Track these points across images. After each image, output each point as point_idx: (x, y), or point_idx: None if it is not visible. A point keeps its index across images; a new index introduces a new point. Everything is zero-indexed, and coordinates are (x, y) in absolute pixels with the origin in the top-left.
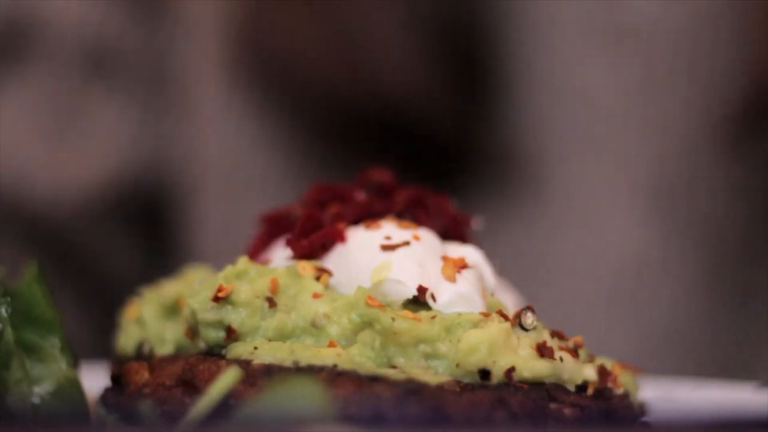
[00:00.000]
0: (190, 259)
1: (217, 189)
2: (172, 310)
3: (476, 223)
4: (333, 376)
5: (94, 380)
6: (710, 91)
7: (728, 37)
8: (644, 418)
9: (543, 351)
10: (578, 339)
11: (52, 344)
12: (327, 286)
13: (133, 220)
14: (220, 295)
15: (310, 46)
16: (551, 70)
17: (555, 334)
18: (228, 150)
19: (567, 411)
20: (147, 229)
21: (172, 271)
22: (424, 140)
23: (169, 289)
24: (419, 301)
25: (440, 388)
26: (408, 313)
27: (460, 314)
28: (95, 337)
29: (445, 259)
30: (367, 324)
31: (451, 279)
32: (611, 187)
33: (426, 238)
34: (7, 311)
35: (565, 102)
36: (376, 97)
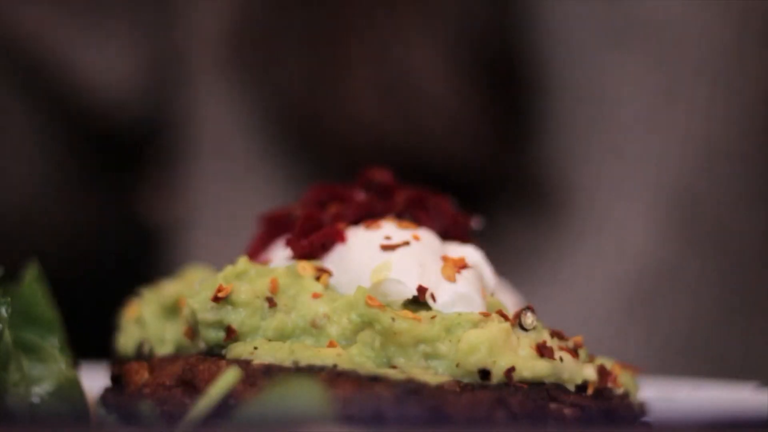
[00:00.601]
0: (190, 259)
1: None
2: (172, 310)
3: (476, 223)
4: (333, 376)
5: (94, 380)
6: (736, 98)
7: (757, 42)
8: (644, 418)
9: (543, 351)
10: (578, 339)
11: (52, 344)
12: (327, 286)
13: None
14: (220, 295)
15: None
16: (576, 75)
17: (555, 334)
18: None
19: (567, 411)
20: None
21: (172, 272)
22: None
23: (169, 289)
24: (419, 301)
25: (440, 388)
26: (408, 313)
27: (460, 314)
28: (95, 337)
29: (445, 259)
30: (367, 324)
31: (451, 279)
32: (632, 194)
33: (426, 238)
34: (7, 311)
35: (588, 108)
36: (407, 128)
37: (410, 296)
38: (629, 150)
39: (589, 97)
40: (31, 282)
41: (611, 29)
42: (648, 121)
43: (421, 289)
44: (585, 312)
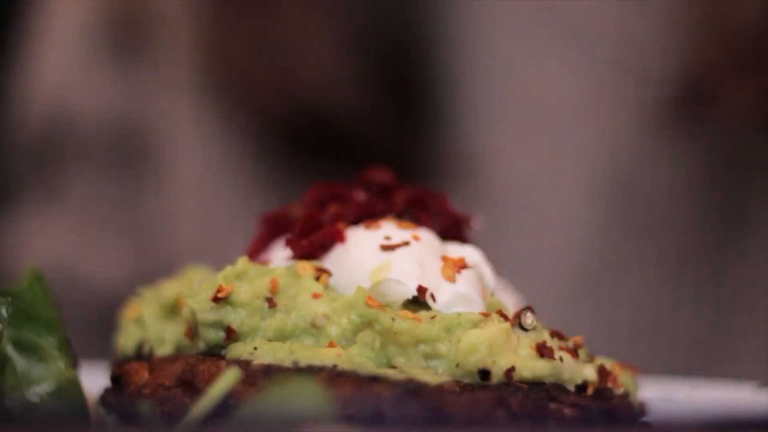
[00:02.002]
0: (190, 259)
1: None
2: (172, 310)
3: (476, 223)
4: (333, 376)
5: (94, 380)
6: (656, 78)
7: (668, 31)
8: (644, 418)
9: (543, 351)
10: (578, 339)
11: (52, 344)
12: (327, 286)
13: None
14: (220, 295)
15: (252, 65)
16: (497, 70)
17: (555, 334)
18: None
19: (567, 411)
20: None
21: (172, 272)
22: (367, 155)
23: (169, 289)
24: (419, 301)
25: (440, 388)
26: (408, 313)
27: (459, 314)
28: (95, 337)
29: (444, 259)
30: (367, 324)
31: (451, 279)
32: (566, 186)
33: (426, 238)
34: (7, 311)
35: (513, 100)
36: (311, 114)
37: (410, 296)
38: (561, 143)
39: (512, 90)
40: (31, 282)
41: (537, 29)
42: (578, 115)
43: (421, 289)
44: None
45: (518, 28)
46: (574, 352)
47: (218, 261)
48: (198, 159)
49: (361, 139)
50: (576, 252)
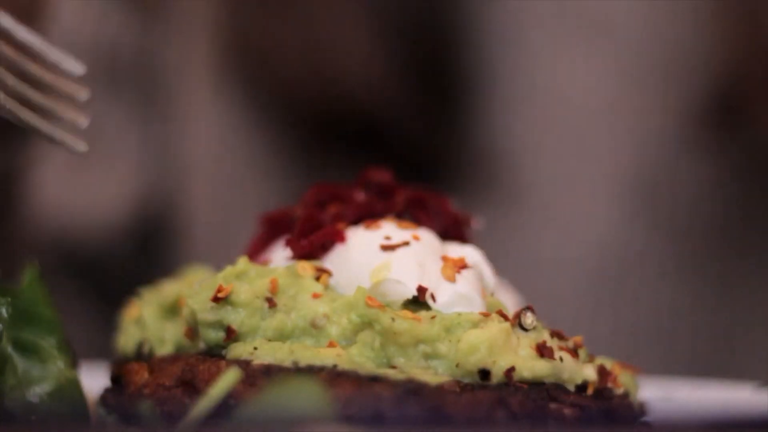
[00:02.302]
0: (190, 259)
1: (211, 190)
2: (172, 310)
3: (476, 223)
4: (333, 376)
5: (94, 380)
6: (686, 84)
7: (702, 31)
8: (644, 418)
9: (543, 351)
10: (578, 339)
11: (52, 344)
12: (327, 286)
13: (138, 237)
14: (220, 295)
15: (279, 47)
16: (526, 67)
17: (555, 334)
18: (221, 152)
19: (567, 411)
20: (150, 243)
21: (172, 272)
22: (398, 145)
23: (169, 289)
24: (419, 301)
25: (440, 388)
26: (408, 313)
27: (460, 314)
28: (95, 337)
29: (444, 259)
30: (367, 324)
31: (451, 279)
32: (591, 182)
33: (426, 238)
34: (7, 311)
35: (540, 98)
36: (345, 101)
37: (410, 296)
38: (586, 140)
39: (541, 88)
40: (31, 282)
41: (565, 22)
42: (604, 112)
43: (421, 289)
44: (550, 305)
45: (548, 25)
46: (574, 352)
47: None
48: (214, 139)
49: (385, 128)
50: (596, 252)
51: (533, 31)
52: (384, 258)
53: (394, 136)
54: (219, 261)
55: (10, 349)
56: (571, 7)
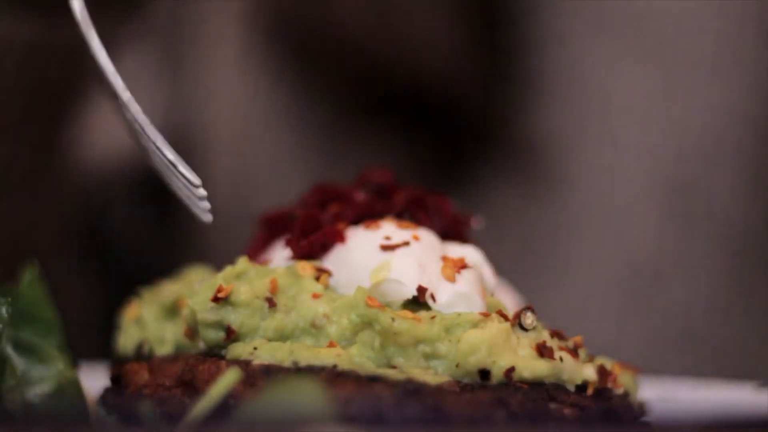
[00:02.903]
0: (190, 259)
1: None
2: (172, 310)
3: (476, 223)
4: (333, 376)
5: (94, 380)
6: (734, 89)
7: (755, 34)
8: (644, 418)
9: (543, 351)
10: (578, 339)
11: (51, 345)
12: (327, 287)
13: (145, 200)
14: (220, 295)
15: (339, 9)
16: (574, 63)
17: (555, 334)
18: (240, 122)
19: (567, 411)
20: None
21: (173, 272)
22: (449, 121)
23: (169, 289)
24: (419, 302)
25: (440, 389)
26: (408, 314)
27: (459, 314)
28: (95, 337)
29: (444, 259)
30: (367, 324)
31: (451, 279)
32: (630, 182)
33: (426, 238)
34: (7, 312)
35: (585, 95)
36: (409, 72)
37: (410, 296)
38: (626, 139)
39: (585, 83)
40: (31, 282)
41: (608, 17)
42: (645, 110)
43: (421, 290)
44: (582, 303)
45: (597, 26)
46: (574, 352)
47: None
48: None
49: (436, 107)
50: (632, 251)
51: (584, 28)
52: (384, 258)
53: (446, 114)
54: (219, 261)
55: (9, 350)
56: (620, 6)
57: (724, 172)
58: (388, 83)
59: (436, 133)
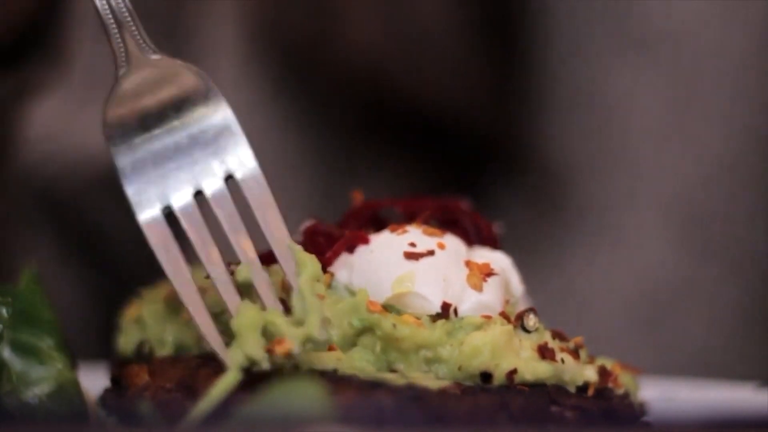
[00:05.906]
0: (190, 258)
1: None
2: (172, 310)
3: (498, 228)
4: (333, 380)
5: (94, 381)
6: (755, 112)
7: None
8: (644, 418)
9: (544, 353)
10: (579, 339)
11: (51, 345)
12: (328, 286)
13: None
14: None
15: (349, 25)
16: (592, 86)
17: (556, 334)
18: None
19: (568, 412)
20: None
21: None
22: (461, 141)
23: (169, 289)
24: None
25: (441, 392)
26: (409, 318)
27: (462, 318)
28: (95, 338)
29: (469, 265)
30: (368, 329)
31: (477, 288)
32: (644, 206)
33: (451, 246)
34: (6, 312)
35: (600, 117)
36: (420, 92)
37: (434, 312)
38: (644, 163)
39: (602, 106)
40: (29, 283)
41: (625, 34)
42: (662, 132)
43: (446, 306)
44: (596, 330)
45: (619, 46)
46: (575, 353)
47: None
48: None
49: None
50: (646, 277)
51: (599, 46)
52: (407, 268)
53: (449, 136)
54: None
55: (8, 351)
56: (637, 22)
57: (743, 199)
58: (395, 100)
59: (447, 154)
